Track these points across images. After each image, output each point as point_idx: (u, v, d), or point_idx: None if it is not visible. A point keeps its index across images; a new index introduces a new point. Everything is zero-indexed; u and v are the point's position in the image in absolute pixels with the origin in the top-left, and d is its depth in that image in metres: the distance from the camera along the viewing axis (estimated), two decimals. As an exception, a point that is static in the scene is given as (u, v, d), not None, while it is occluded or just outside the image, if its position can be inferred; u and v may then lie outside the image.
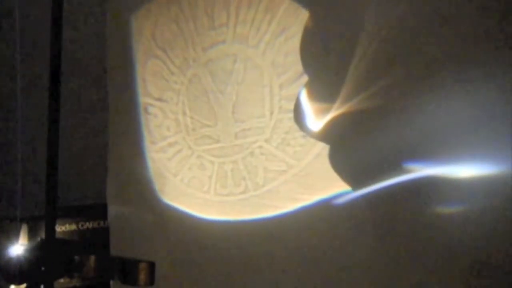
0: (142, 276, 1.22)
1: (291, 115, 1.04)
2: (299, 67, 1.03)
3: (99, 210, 1.42)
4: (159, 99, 1.25)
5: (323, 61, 1.00)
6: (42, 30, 1.36)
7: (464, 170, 0.85)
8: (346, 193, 0.96)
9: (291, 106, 1.04)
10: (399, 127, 0.91)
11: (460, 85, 0.86)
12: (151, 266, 1.22)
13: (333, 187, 0.97)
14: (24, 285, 1.29)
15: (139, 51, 1.27)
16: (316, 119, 1.01)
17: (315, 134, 1.00)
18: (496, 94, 0.83)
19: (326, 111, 0.99)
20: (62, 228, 1.40)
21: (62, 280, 1.33)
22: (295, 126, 1.03)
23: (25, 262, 1.27)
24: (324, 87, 1.00)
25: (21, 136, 1.63)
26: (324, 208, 0.99)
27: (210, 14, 1.13)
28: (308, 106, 1.02)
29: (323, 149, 1.00)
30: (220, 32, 1.12)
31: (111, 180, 1.38)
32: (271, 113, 1.06)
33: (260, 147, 1.09)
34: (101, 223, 1.43)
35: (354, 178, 0.95)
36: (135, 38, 1.28)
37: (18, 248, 1.32)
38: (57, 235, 1.30)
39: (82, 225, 1.43)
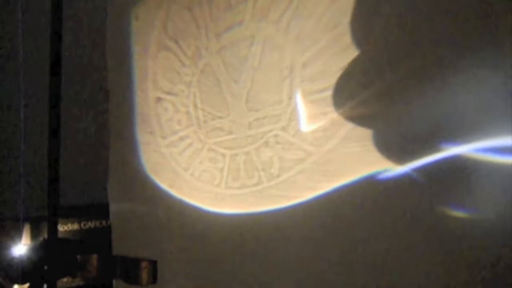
0: (144, 275, 1.22)
1: (313, 97, 0.99)
2: (330, 35, 0.96)
3: (102, 210, 1.41)
4: (170, 93, 1.23)
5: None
6: (43, 29, 1.36)
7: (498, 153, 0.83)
8: (368, 177, 0.93)
9: (314, 87, 0.98)
10: (426, 106, 0.88)
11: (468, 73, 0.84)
12: (153, 264, 1.22)
13: (355, 173, 0.94)
14: (27, 284, 1.29)
15: (151, 44, 1.25)
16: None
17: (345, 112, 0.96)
18: (498, 82, 0.82)
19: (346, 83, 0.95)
20: (64, 228, 1.40)
21: (65, 279, 1.33)
22: (318, 109, 0.98)
23: (28, 262, 1.28)
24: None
25: (23, 136, 1.63)
26: (345, 195, 0.96)
27: None
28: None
29: (350, 131, 0.95)
30: (238, 11, 1.08)
31: (113, 178, 1.38)
32: (290, 97, 1.02)
33: (276, 136, 1.05)
34: (104, 222, 1.43)
35: (376, 161, 0.92)
36: (145, 30, 1.26)
37: (21, 248, 1.32)
38: (60, 235, 1.31)
39: (84, 225, 1.43)
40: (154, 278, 1.24)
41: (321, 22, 0.98)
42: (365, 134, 0.94)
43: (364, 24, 0.93)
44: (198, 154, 1.18)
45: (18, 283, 1.29)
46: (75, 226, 1.42)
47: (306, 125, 1.00)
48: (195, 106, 1.18)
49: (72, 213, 1.43)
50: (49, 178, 1.23)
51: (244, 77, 1.09)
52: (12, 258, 1.30)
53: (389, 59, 0.90)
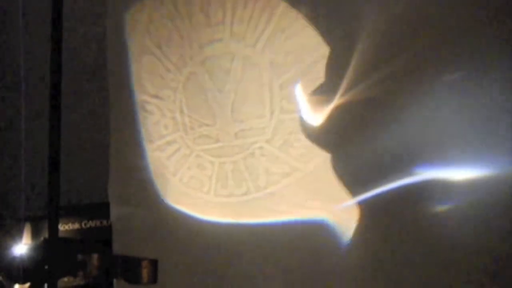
0: (145, 274, 1.22)
1: (294, 115, 1.02)
2: (301, 66, 1.01)
3: (102, 209, 1.42)
4: (156, 96, 1.23)
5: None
6: (43, 29, 1.36)
7: (469, 172, 0.85)
8: (353, 198, 0.95)
9: (293, 106, 1.02)
10: (401, 128, 0.90)
11: (461, 83, 0.85)
12: (154, 263, 1.22)
13: (341, 193, 0.96)
14: (28, 284, 1.30)
15: (134, 47, 1.25)
16: (316, 115, 1.00)
17: (315, 133, 0.99)
18: (498, 92, 0.83)
19: (325, 105, 0.97)
20: (65, 227, 1.40)
21: (65, 279, 1.34)
22: (299, 127, 1.01)
23: (28, 261, 1.28)
24: (324, 82, 0.99)
25: (24, 136, 1.64)
26: (329, 213, 0.97)
27: (206, 12, 1.11)
28: (306, 102, 1.01)
29: (333, 152, 0.98)
30: (217, 30, 1.10)
31: (113, 178, 1.38)
32: (272, 113, 1.04)
33: (261, 148, 1.06)
34: (104, 222, 1.44)
35: (358, 182, 0.93)
36: (130, 33, 1.25)
37: (21, 248, 1.32)
38: (60, 234, 1.30)
39: (85, 224, 1.43)
40: (154, 278, 1.24)
41: (292, 54, 1.02)
42: (338, 157, 0.97)
43: (335, 61, 0.96)
44: (186, 160, 1.18)
45: (18, 282, 1.29)
46: (76, 226, 1.42)
47: (288, 141, 1.03)
48: (182, 112, 1.18)
49: (73, 212, 1.44)
50: (49, 178, 1.23)
51: (228, 88, 1.10)
52: (13, 258, 1.30)
53: (364, 84, 0.92)
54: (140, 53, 1.24)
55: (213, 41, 1.11)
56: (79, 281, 1.35)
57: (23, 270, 1.27)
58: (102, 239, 1.40)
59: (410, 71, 0.89)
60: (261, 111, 1.05)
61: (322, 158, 0.98)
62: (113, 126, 1.38)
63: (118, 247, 1.34)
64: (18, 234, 1.34)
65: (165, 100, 1.20)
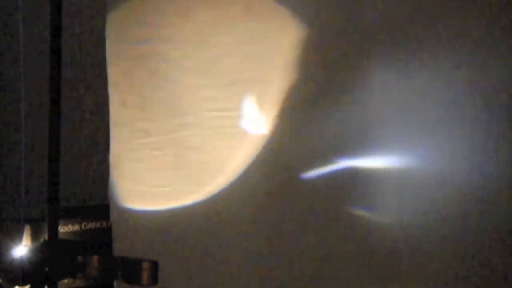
0: (145, 276, 1.22)
1: (216, 113, 1.12)
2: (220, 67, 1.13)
3: (102, 210, 1.42)
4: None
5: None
6: (43, 28, 1.36)
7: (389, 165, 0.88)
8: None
9: (215, 105, 1.12)
10: (328, 121, 0.92)
11: (395, 78, 0.88)
12: (154, 265, 1.22)
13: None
14: (28, 286, 1.29)
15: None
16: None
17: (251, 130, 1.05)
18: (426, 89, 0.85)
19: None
20: (65, 229, 1.40)
21: (65, 281, 1.33)
22: (221, 123, 1.11)
23: (28, 263, 1.27)
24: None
25: (23, 137, 1.63)
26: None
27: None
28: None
29: (250, 143, 1.06)
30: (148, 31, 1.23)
31: (113, 179, 1.38)
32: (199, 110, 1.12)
33: (192, 140, 1.15)
34: (104, 223, 1.43)
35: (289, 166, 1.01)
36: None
37: (21, 249, 1.32)
38: (60, 236, 1.30)
39: (85, 226, 1.43)
40: (155, 279, 1.24)
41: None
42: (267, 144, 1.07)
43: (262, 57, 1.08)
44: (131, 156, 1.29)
45: (18, 284, 1.28)
46: (76, 227, 1.42)
47: (211, 134, 1.13)
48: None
49: (73, 214, 1.43)
50: (49, 178, 1.23)
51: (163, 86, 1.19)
52: (12, 260, 1.29)
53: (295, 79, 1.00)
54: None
55: (144, 40, 1.23)
56: (79, 282, 1.35)
57: (23, 272, 1.26)
58: (102, 240, 1.39)
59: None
60: (191, 109, 1.15)
61: (253, 149, 1.07)
62: (113, 126, 1.37)
63: (118, 249, 1.34)
64: (18, 236, 1.34)
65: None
